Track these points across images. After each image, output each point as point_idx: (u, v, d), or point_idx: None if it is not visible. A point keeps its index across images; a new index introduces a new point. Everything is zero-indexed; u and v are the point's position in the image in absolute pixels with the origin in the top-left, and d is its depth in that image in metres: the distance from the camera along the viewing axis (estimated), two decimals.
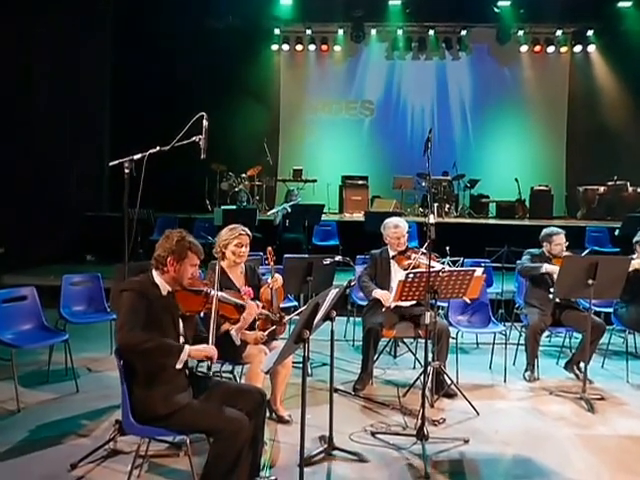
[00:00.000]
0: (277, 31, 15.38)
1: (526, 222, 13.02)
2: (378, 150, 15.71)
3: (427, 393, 5.07)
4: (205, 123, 4.45)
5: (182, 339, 3.75)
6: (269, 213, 11.65)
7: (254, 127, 14.61)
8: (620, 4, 13.99)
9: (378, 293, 5.80)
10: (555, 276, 5.90)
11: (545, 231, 6.48)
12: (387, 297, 5.70)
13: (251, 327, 4.75)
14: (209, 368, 3.90)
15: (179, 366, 3.59)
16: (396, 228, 6.04)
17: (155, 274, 3.71)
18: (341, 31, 15.40)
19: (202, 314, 4.01)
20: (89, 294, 6.55)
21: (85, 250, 11.39)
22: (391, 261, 6.04)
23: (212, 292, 3.91)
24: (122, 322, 3.46)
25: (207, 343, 3.69)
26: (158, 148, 4.47)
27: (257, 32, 14.88)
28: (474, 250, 8.31)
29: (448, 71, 15.74)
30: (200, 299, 3.86)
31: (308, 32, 15.33)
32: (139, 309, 3.49)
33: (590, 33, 15.02)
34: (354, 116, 15.95)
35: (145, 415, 3.55)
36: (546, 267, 6.22)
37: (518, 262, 6.48)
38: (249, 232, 5.03)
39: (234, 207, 11.62)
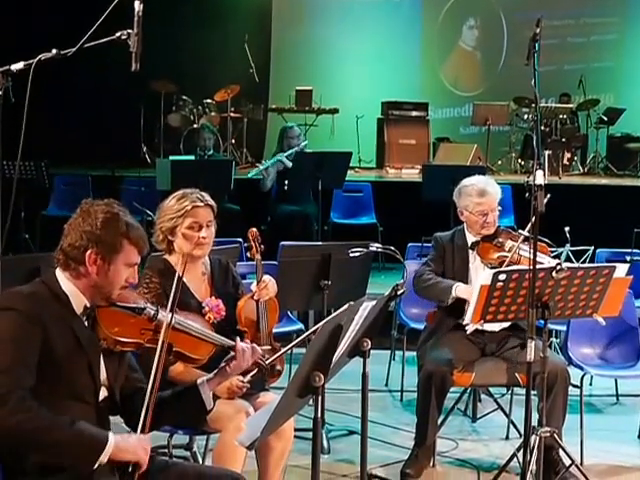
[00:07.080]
0: None
1: None
2: (439, 54, 15.68)
3: None
4: (138, 6, 4.41)
5: (103, 393, 3.74)
6: (253, 173, 11.60)
7: (226, 16, 14.61)
8: None
9: (461, 289, 5.78)
10: None
11: None
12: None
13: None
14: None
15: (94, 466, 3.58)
16: (481, 197, 5.96)
17: (62, 277, 3.70)
18: None
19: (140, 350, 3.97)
20: None
21: None
22: (470, 252, 6.04)
23: (161, 313, 3.86)
24: None
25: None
26: (55, 52, 4.44)
27: None
28: (614, 233, 8.27)
29: None
30: (139, 323, 3.83)
31: None
32: (27, 347, 3.47)
33: None
34: None
35: None
36: None
37: None
38: (211, 201, 4.99)
39: (191, 157, 11.62)
